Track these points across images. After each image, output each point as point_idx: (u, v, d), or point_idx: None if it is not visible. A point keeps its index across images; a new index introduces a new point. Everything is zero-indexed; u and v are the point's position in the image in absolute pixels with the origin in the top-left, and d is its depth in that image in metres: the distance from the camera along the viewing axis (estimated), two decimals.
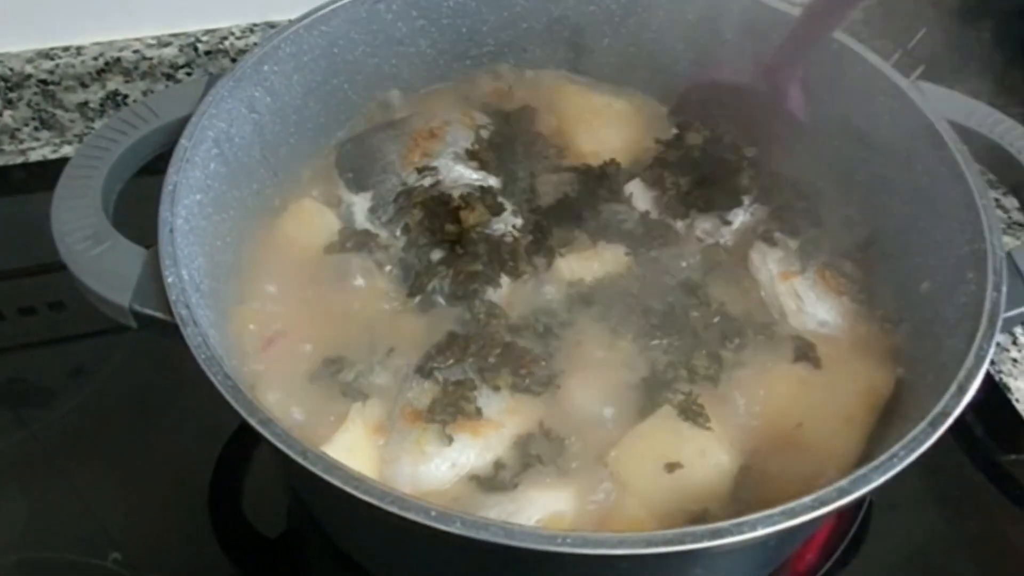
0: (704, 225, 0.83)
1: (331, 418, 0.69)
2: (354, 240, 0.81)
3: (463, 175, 0.85)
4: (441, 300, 0.77)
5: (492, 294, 0.77)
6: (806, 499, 0.51)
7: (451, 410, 0.67)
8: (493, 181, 0.85)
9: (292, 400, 0.71)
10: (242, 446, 0.85)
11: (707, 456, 0.66)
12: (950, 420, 0.55)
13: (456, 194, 0.81)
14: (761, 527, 0.49)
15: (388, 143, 0.87)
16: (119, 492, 0.82)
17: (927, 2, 0.79)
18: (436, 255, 0.79)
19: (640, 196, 0.85)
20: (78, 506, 0.81)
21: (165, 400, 0.88)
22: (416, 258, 0.79)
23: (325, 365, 0.72)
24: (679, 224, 0.84)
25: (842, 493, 0.51)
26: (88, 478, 0.83)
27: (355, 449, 0.66)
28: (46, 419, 0.87)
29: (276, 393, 0.71)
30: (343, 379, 0.71)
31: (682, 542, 0.49)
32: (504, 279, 0.78)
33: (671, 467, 0.65)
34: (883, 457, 0.53)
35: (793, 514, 0.50)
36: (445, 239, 0.79)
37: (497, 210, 0.81)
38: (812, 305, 0.77)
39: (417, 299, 0.77)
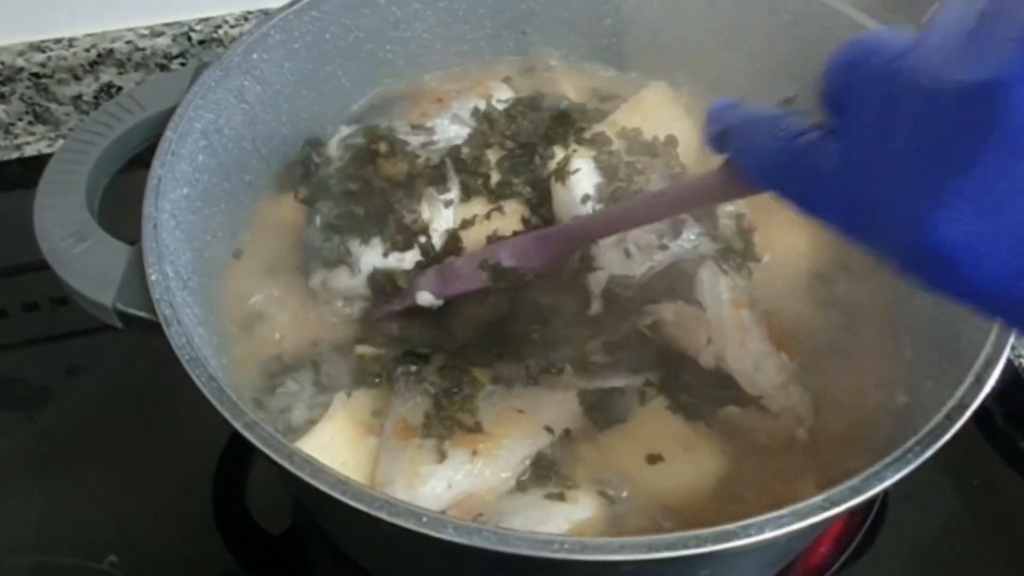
0: (640, 238, 0.73)
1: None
2: (307, 151, 0.81)
3: (459, 133, 0.82)
4: (316, 225, 0.74)
5: (360, 252, 0.73)
6: (816, 499, 0.48)
7: (448, 423, 0.64)
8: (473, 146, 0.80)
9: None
10: (245, 443, 0.83)
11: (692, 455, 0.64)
12: (968, 412, 0.53)
13: (401, 143, 0.78)
14: (769, 529, 0.47)
15: (398, 103, 0.86)
16: (119, 492, 0.81)
17: None
18: (348, 186, 0.76)
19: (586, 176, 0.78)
20: (75, 508, 0.80)
21: (167, 396, 0.86)
22: (334, 183, 0.77)
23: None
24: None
25: (854, 492, 0.49)
26: (88, 478, 0.82)
27: (338, 442, 0.64)
28: (43, 418, 0.86)
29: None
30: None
31: (686, 546, 0.46)
32: (376, 244, 0.73)
33: (652, 459, 0.63)
34: (897, 453, 0.51)
35: (802, 515, 0.48)
36: (360, 178, 0.76)
37: (434, 181, 0.76)
38: (756, 342, 0.67)
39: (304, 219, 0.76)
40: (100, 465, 0.83)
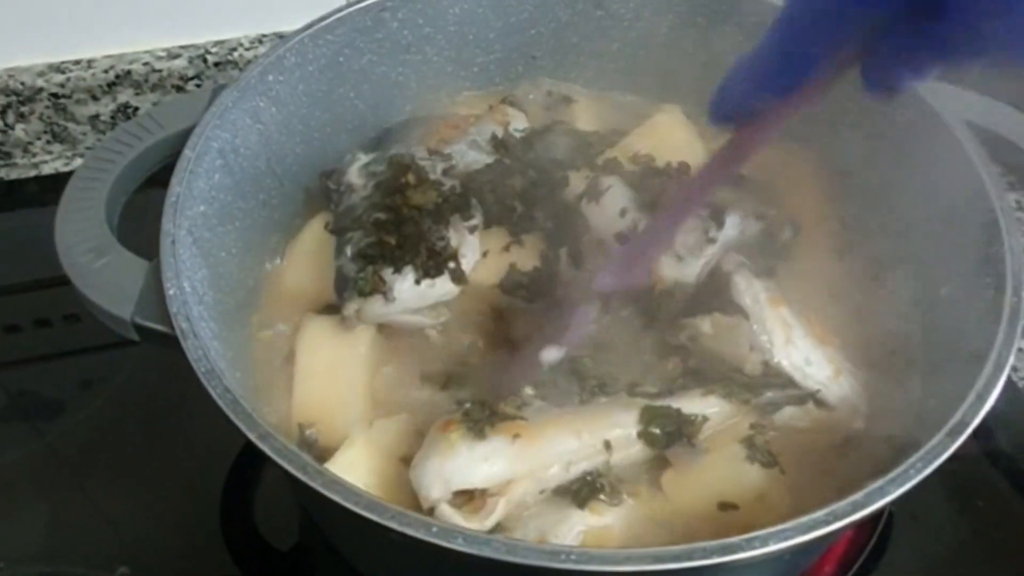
0: (687, 239, 0.73)
1: None
2: (330, 178, 0.81)
3: (477, 159, 0.83)
4: (348, 255, 0.74)
5: (394, 280, 0.72)
6: (819, 513, 0.49)
7: (490, 414, 0.63)
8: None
9: None
10: (254, 458, 0.83)
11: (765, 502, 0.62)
12: (969, 430, 0.53)
13: (425, 170, 0.78)
14: (773, 542, 0.48)
15: (415, 127, 0.87)
16: (130, 505, 0.82)
17: None
18: (378, 216, 0.75)
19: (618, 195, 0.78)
20: (87, 520, 0.81)
21: (177, 412, 0.88)
22: (361, 211, 0.76)
23: None
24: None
25: (856, 507, 0.50)
26: (99, 491, 0.83)
27: (359, 468, 0.64)
28: (55, 432, 0.87)
29: None
30: None
31: (691, 558, 0.47)
32: (408, 273, 0.72)
33: (724, 507, 0.62)
34: (900, 469, 0.51)
35: (806, 528, 0.49)
36: (389, 207, 0.76)
37: (459, 208, 0.77)
38: (801, 338, 0.68)
39: (335, 247, 0.75)
40: (111, 478, 0.84)
